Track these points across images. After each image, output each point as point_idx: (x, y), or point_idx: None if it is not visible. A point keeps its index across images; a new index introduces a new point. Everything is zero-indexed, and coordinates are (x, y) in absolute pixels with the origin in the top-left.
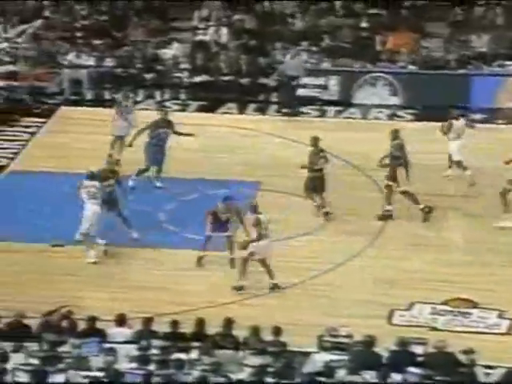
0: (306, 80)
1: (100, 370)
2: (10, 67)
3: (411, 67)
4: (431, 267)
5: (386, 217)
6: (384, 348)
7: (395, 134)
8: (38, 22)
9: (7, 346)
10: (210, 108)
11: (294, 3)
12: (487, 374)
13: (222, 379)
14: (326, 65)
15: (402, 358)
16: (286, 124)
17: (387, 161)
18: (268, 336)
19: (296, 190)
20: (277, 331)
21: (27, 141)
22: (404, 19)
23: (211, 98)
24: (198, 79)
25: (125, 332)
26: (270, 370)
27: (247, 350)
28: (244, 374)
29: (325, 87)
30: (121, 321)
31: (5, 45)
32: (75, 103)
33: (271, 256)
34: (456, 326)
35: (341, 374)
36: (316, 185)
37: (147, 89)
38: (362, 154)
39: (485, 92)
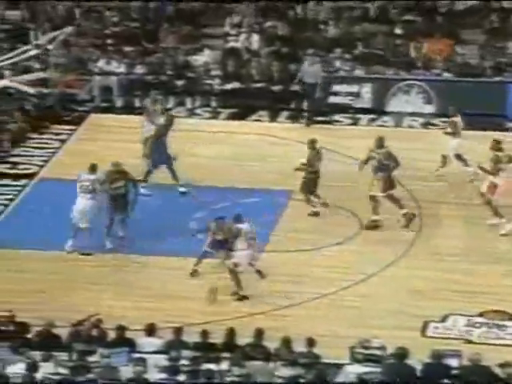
0: (338, 87)
1: (129, 380)
2: (41, 74)
3: (446, 75)
4: (466, 278)
5: (373, 227)
6: (418, 360)
7: (380, 142)
8: (69, 29)
9: (37, 355)
10: (241, 115)
11: (328, 9)
12: None
13: None
14: (359, 72)
15: (436, 370)
16: (318, 132)
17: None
18: (299, 347)
19: (328, 199)
20: (311, 342)
21: (57, 148)
22: (439, 26)
23: (242, 106)
24: (229, 86)
25: (154, 342)
26: (302, 381)
27: (278, 361)
28: None
29: (358, 95)
30: (150, 330)
31: (35, 51)
32: (105, 110)
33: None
34: (492, 339)
35: None
36: (311, 186)
37: (178, 96)
38: None
39: None
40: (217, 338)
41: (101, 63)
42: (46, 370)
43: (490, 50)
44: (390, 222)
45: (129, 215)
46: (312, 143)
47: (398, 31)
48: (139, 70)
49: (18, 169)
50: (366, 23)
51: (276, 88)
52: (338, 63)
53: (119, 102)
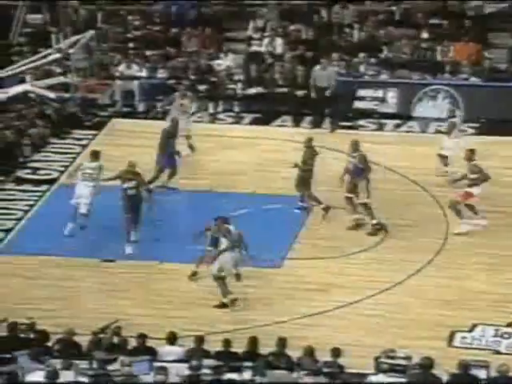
0: (363, 92)
1: None
2: (62, 78)
3: (473, 79)
4: (494, 287)
5: (357, 226)
6: (444, 371)
7: (355, 146)
8: (91, 33)
9: (57, 363)
10: (264, 121)
11: (353, 13)
12: None
13: None
14: (384, 77)
15: (463, 382)
16: (343, 137)
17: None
18: (323, 356)
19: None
20: (336, 352)
21: (78, 153)
22: (467, 29)
23: (265, 111)
24: (252, 91)
25: (176, 350)
26: None
27: (301, 370)
28: None
29: (383, 100)
30: (172, 339)
31: (57, 56)
32: (127, 115)
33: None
34: None
35: None
36: (305, 182)
37: (200, 100)
38: (421, 169)
39: None
40: (239, 347)
41: (122, 67)
42: (66, 378)
43: None
44: (415, 230)
45: (141, 219)
46: (308, 141)
47: (424, 35)
48: (161, 74)
49: (39, 174)
50: (392, 27)
51: (300, 93)
52: (362, 68)
53: (141, 107)
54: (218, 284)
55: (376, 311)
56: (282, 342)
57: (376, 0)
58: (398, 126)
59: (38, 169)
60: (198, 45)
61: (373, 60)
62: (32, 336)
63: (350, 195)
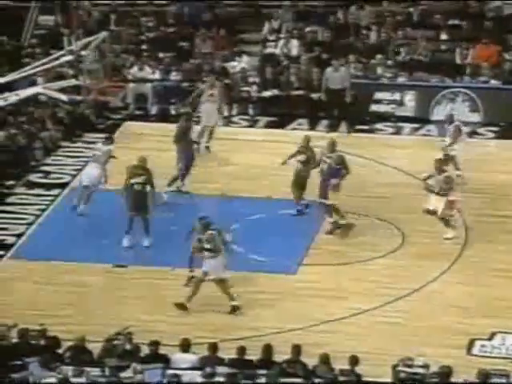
0: (380, 95)
1: None
2: (74, 81)
3: (493, 82)
4: None
5: (335, 229)
6: (463, 380)
7: (332, 147)
8: (103, 35)
9: (68, 370)
10: (279, 124)
11: (370, 14)
12: None
13: None
14: (401, 79)
15: None
16: (360, 141)
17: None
18: (339, 364)
19: (369, 211)
20: (354, 361)
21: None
22: (486, 31)
23: (281, 114)
24: (267, 94)
25: (189, 358)
26: None
27: (317, 378)
28: None
29: (401, 103)
30: (185, 346)
31: (69, 58)
32: (140, 118)
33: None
34: None
35: None
36: (302, 182)
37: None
38: None
39: None
40: (253, 355)
41: (135, 70)
42: None
43: None
44: (434, 236)
45: (149, 222)
46: (306, 141)
47: (443, 36)
48: (175, 76)
49: (50, 178)
50: (409, 28)
51: (316, 95)
52: (379, 70)
53: (154, 110)
54: (192, 287)
55: (393, 318)
56: (297, 350)
57: (393, 1)
58: (415, 129)
59: (50, 173)
60: (212, 47)
61: (390, 62)
62: (43, 342)
63: (323, 200)
